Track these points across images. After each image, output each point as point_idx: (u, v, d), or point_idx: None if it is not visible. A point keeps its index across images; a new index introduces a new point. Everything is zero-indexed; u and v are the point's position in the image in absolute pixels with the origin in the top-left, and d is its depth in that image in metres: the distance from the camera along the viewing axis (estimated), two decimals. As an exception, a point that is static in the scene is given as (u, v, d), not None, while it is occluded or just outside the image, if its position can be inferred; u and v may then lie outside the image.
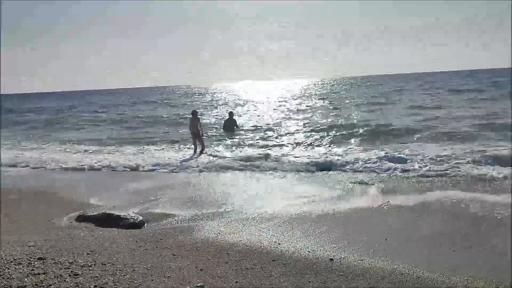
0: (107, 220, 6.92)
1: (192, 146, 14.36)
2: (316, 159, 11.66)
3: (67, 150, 16.25)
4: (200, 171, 11.34)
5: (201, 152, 13.63)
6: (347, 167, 10.69)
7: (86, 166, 12.39)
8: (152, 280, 4.37)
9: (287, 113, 28.08)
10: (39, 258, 4.85)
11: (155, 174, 11.37)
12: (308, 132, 18.05)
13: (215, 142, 15.86)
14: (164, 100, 55.56)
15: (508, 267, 4.74)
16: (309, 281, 4.46)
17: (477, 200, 7.33)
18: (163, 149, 15.41)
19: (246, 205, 7.79)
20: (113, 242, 5.76)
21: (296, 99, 44.43)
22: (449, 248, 5.38)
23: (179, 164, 12.09)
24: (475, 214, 6.73)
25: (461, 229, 6.08)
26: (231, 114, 17.97)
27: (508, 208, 6.79)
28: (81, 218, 7.15)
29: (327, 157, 11.83)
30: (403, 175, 9.66)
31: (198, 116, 14.57)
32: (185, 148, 15.35)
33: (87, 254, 5.14)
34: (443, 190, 8.30)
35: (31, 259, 4.79)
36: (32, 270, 4.48)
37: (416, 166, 10.10)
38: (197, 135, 14.11)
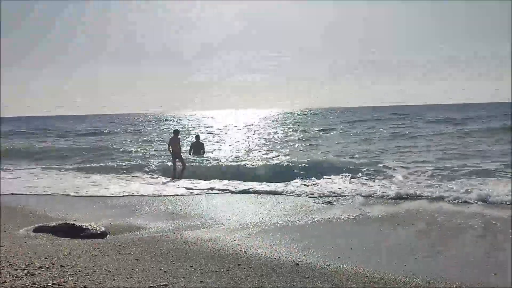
0: (67, 231, 6.67)
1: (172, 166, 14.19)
2: (285, 182, 11.69)
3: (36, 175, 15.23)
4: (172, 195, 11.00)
5: (182, 171, 13.64)
6: (314, 190, 10.72)
7: (58, 191, 11.57)
8: (114, 280, 4.24)
9: (254, 140, 28.19)
10: (-7, 261, 4.61)
11: (128, 198, 10.54)
12: (275, 158, 18.13)
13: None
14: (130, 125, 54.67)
15: (467, 271, 4.90)
16: (274, 282, 4.44)
17: (438, 211, 7.59)
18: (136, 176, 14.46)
19: (215, 219, 7.75)
20: (73, 249, 5.56)
21: (261, 127, 44.65)
22: (412, 255, 5.50)
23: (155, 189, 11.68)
24: (436, 224, 6.99)
25: (423, 238, 6.27)
26: (197, 137, 17.56)
27: (468, 217, 7.09)
28: (39, 229, 6.85)
29: (298, 184, 11.68)
30: (367, 196, 9.82)
31: (178, 137, 14.47)
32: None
33: (45, 258, 4.93)
34: (406, 204, 8.56)
35: (-16, 261, 4.55)
36: (-15, 270, 4.25)
37: (380, 189, 10.28)
38: (178, 154, 14.03)
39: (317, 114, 79.89)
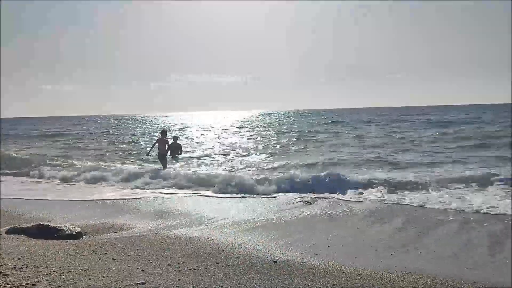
0: (41, 232, 6.49)
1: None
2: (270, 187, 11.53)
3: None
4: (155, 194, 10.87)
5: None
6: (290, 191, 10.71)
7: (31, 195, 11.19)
8: (89, 279, 4.17)
9: (232, 141, 28.09)
10: (-37, 262, 4.47)
11: (104, 201, 10.17)
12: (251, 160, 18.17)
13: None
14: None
15: (441, 265, 5.02)
16: (252, 279, 4.45)
17: (409, 208, 7.74)
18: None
19: (194, 220, 7.73)
20: (47, 249, 5.43)
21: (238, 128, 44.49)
22: (387, 252, 5.60)
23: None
24: (412, 222, 7.14)
25: (399, 236, 6.40)
26: (175, 138, 16.88)
27: (445, 217, 7.25)
28: (12, 231, 6.67)
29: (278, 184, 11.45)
30: (347, 199, 9.87)
31: (167, 138, 14.57)
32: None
33: (18, 259, 4.80)
34: (382, 204, 8.71)
35: (-47, 262, 4.41)
36: (-45, 271, 4.13)
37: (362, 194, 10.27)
38: (164, 156, 14.24)
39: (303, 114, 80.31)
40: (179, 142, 16.52)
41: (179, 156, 15.92)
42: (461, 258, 5.33)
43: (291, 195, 10.25)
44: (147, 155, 15.45)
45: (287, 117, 73.73)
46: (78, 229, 6.67)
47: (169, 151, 15.33)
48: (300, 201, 9.39)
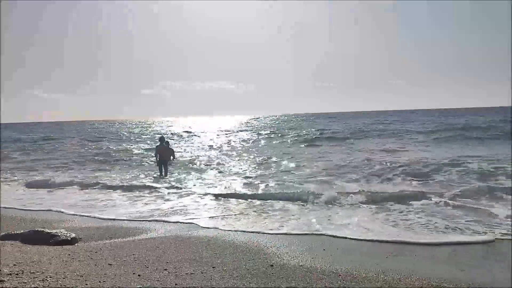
0: (36, 238, 6.47)
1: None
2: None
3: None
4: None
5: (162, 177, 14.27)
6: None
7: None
8: (86, 284, 4.17)
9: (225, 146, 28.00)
10: (-43, 269, 4.45)
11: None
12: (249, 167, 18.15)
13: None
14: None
15: (433, 267, 5.07)
16: (249, 282, 4.47)
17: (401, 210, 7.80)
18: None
19: (189, 225, 7.71)
20: (43, 255, 5.41)
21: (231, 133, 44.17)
22: (383, 255, 5.63)
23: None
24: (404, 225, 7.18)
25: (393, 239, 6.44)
26: (162, 139, 15.07)
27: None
28: (6, 237, 6.63)
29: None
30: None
31: (169, 146, 15.20)
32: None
33: (14, 265, 4.79)
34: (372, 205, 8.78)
35: None
36: (-50, 278, 4.10)
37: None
38: (165, 162, 14.57)
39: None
40: (170, 147, 15.88)
41: (172, 161, 15.31)
42: (456, 260, 5.37)
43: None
44: (156, 164, 15.01)
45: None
46: (73, 235, 6.64)
47: (160, 160, 14.76)
48: (293, 203, 9.40)
